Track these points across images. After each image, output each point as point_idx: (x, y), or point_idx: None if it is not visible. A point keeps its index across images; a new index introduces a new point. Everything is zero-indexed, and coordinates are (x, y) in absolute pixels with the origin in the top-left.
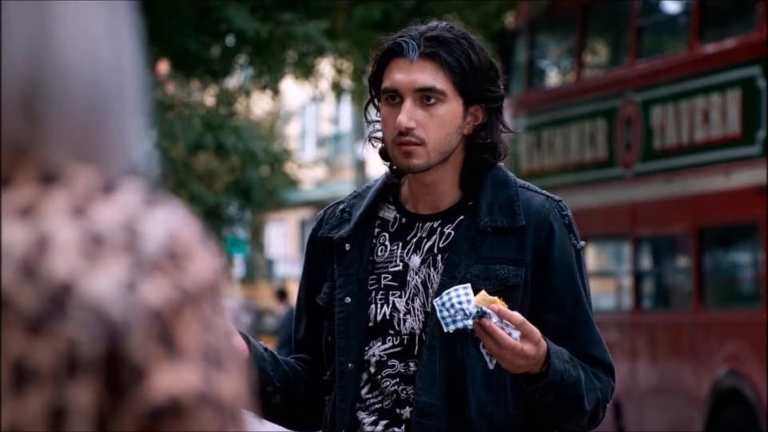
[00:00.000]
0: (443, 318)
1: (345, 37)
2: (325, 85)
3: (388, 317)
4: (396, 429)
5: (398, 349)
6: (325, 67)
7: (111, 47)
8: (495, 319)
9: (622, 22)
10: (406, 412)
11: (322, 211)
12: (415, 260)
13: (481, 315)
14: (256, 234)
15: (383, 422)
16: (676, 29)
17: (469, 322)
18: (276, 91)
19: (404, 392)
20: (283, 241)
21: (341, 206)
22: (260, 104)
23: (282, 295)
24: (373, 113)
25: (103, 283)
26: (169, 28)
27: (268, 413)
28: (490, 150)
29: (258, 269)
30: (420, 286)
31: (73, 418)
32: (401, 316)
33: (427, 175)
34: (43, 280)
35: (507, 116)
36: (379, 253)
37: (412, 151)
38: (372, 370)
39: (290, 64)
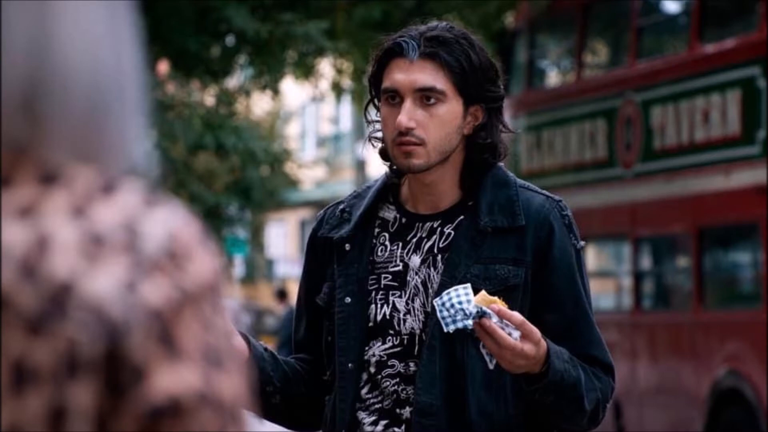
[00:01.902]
0: (443, 318)
1: (345, 37)
2: (325, 85)
3: (388, 317)
4: (396, 429)
5: (398, 349)
6: (325, 67)
7: (111, 47)
8: (495, 319)
9: (622, 22)
10: (406, 412)
11: (322, 211)
12: (415, 260)
13: (481, 315)
14: (256, 234)
15: (383, 422)
16: (676, 29)
17: (469, 322)
18: (276, 91)
19: (404, 392)
20: (283, 241)
21: (341, 206)
22: (260, 104)
23: (282, 295)
24: (373, 113)
25: (103, 283)
26: (169, 28)
27: (268, 413)
28: (490, 150)
29: (258, 269)
30: (420, 286)
31: (73, 418)
32: (401, 316)
33: (427, 175)
34: (43, 280)
35: (507, 116)
36: (379, 253)
37: (412, 151)
38: (372, 370)
39: (290, 64)
